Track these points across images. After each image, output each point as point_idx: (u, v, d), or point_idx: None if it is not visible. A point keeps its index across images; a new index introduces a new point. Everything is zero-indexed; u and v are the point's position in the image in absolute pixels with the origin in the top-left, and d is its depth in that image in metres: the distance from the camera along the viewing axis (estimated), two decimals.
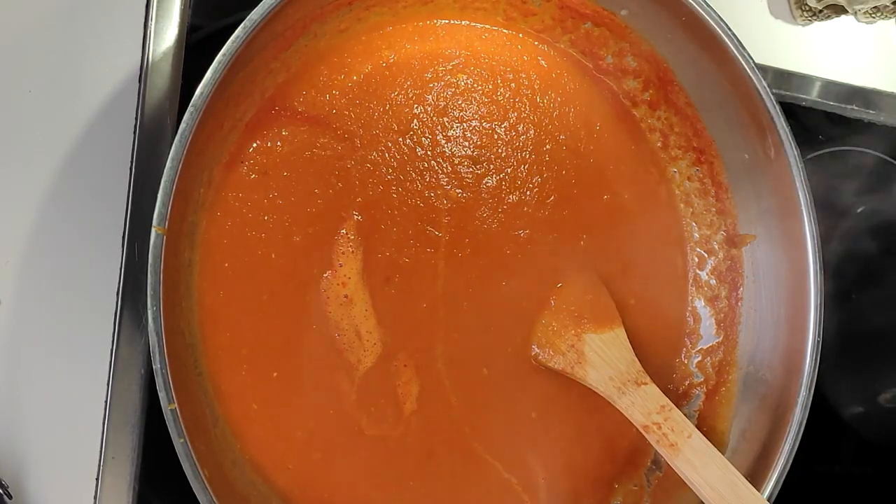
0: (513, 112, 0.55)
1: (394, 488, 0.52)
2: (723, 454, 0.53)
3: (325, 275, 0.51)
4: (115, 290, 0.50)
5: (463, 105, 0.54)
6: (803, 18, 0.66)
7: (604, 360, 0.52)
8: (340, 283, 0.51)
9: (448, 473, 0.52)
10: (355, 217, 0.51)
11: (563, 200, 0.55)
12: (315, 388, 0.50)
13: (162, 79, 0.51)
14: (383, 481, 0.51)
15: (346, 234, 0.51)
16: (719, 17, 0.49)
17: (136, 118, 0.51)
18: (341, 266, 0.51)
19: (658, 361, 0.56)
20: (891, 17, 0.67)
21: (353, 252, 0.51)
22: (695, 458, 0.48)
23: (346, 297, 0.51)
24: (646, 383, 0.51)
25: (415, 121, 0.53)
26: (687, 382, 0.56)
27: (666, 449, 0.48)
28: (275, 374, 0.50)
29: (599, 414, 0.54)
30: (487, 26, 0.55)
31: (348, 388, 0.51)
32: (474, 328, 0.53)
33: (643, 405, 0.50)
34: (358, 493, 0.51)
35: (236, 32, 0.44)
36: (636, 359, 0.52)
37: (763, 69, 0.53)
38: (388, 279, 0.52)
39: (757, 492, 0.47)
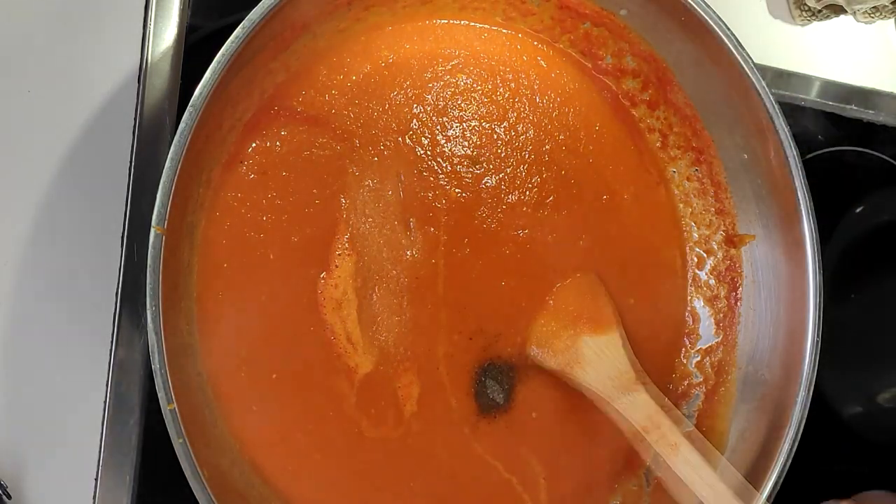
0: (512, 112, 0.55)
1: (394, 490, 0.52)
2: (722, 454, 0.53)
3: (321, 276, 0.51)
4: (115, 290, 0.50)
5: (462, 105, 0.54)
6: (802, 18, 0.66)
7: (602, 361, 0.52)
8: (334, 284, 0.51)
9: (448, 474, 0.52)
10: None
11: (562, 200, 0.55)
12: (314, 390, 0.50)
13: (161, 79, 0.51)
14: (383, 483, 0.51)
15: (344, 235, 0.51)
16: (718, 17, 0.50)
17: (135, 118, 0.51)
18: (337, 267, 0.51)
19: (657, 361, 0.56)
20: (890, 17, 0.67)
21: (350, 254, 0.51)
22: (684, 468, 0.48)
23: (339, 300, 0.51)
24: (636, 391, 0.51)
25: (414, 120, 0.53)
26: (686, 382, 0.56)
27: (663, 449, 0.49)
28: (274, 376, 0.50)
29: (599, 414, 0.54)
30: (486, 26, 0.55)
31: (348, 390, 0.51)
32: (474, 329, 0.53)
33: (633, 412, 0.50)
34: (358, 494, 0.51)
35: (235, 33, 0.44)
36: (630, 367, 0.52)
37: (762, 69, 0.53)
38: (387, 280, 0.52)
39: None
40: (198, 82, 0.43)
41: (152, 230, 0.42)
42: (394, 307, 0.52)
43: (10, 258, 0.49)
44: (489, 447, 0.53)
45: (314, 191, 0.51)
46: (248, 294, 0.49)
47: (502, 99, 0.55)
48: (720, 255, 0.57)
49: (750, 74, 0.50)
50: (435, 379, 0.52)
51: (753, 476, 0.50)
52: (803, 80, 0.65)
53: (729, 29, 0.50)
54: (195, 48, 0.54)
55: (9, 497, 0.48)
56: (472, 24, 0.55)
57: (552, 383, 0.54)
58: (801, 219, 0.51)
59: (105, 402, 0.49)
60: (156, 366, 0.42)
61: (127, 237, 0.50)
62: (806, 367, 0.50)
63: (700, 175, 0.57)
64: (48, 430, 0.49)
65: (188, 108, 0.43)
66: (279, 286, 0.50)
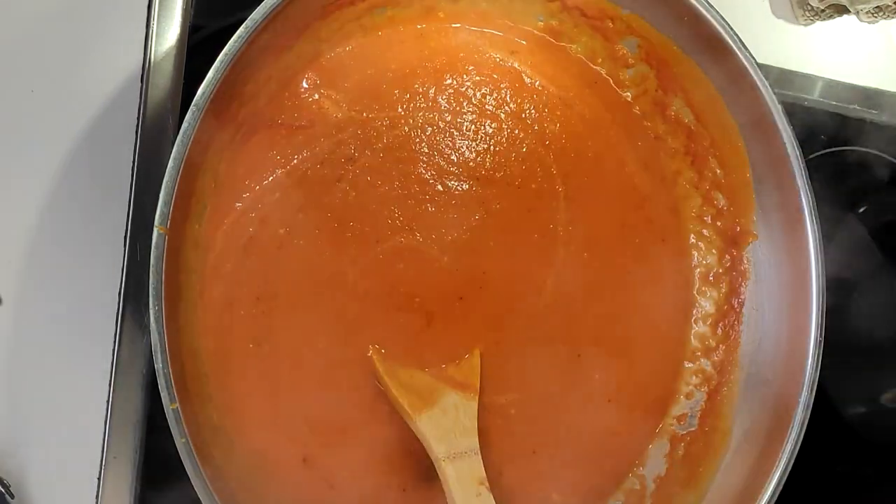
0: (514, 115, 0.55)
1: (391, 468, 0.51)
2: (725, 454, 0.53)
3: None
4: (118, 289, 0.50)
5: (465, 108, 0.54)
6: (805, 18, 0.66)
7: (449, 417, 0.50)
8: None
9: None
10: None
11: (563, 202, 0.55)
12: (320, 388, 0.50)
13: (164, 79, 0.51)
14: (383, 480, 0.51)
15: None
16: (721, 16, 0.49)
17: (138, 118, 0.51)
18: None
19: (659, 362, 0.56)
20: (893, 17, 0.67)
21: None
22: None
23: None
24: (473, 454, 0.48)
25: (420, 124, 0.53)
26: (688, 382, 0.56)
27: None
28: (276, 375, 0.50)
29: (599, 413, 0.54)
30: (487, 29, 0.55)
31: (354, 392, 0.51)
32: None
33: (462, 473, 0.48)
34: (359, 491, 0.51)
35: (238, 32, 0.44)
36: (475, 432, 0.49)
37: (765, 69, 0.53)
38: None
39: None
40: (201, 81, 0.43)
41: (155, 230, 0.42)
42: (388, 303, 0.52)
43: (13, 258, 0.49)
44: (497, 438, 0.53)
45: (316, 190, 0.51)
46: (251, 292, 0.49)
47: (505, 104, 0.55)
48: (722, 255, 0.57)
49: (753, 74, 0.50)
50: None
51: (756, 476, 0.50)
52: (806, 79, 0.65)
53: (732, 29, 0.50)
54: (198, 48, 0.54)
55: (12, 496, 0.48)
56: (473, 27, 0.55)
57: (553, 377, 0.54)
58: (804, 219, 0.51)
59: (108, 401, 0.49)
60: (158, 365, 0.42)
61: (130, 237, 0.50)
62: (809, 367, 0.50)
63: (700, 175, 0.57)
64: (51, 429, 0.49)
65: (191, 107, 0.43)
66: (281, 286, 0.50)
